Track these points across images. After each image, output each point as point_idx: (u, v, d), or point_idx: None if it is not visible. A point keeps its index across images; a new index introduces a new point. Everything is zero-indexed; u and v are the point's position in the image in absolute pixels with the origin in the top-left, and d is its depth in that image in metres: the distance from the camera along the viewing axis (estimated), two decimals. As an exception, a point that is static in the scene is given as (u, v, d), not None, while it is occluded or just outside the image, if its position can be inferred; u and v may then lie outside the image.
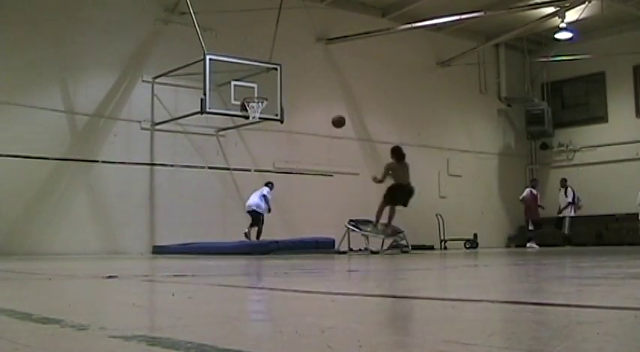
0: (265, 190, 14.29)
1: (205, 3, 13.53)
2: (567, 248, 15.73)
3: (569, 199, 17.35)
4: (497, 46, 20.24)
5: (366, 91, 17.47)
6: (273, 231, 14.20)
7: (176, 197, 14.07)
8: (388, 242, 13.56)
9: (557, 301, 2.62)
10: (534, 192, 17.16)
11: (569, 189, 17.53)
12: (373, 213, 14.55)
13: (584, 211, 19.67)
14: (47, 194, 12.93)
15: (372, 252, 12.78)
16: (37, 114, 12.83)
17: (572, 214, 17.35)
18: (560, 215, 17.29)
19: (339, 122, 12.88)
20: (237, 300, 2.95)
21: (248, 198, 14.22)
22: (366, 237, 13.31)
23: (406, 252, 12.90)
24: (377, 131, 17.61)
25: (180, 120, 14.06)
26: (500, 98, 20.68)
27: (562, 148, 20.57)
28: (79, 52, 13.41)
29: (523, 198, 17.20)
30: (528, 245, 16.93)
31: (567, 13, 16.74)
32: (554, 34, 17.79)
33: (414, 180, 18.77)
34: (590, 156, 19.87)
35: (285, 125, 14.21)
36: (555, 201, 17.78)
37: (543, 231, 17.29)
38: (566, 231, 17.23)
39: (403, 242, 13.35)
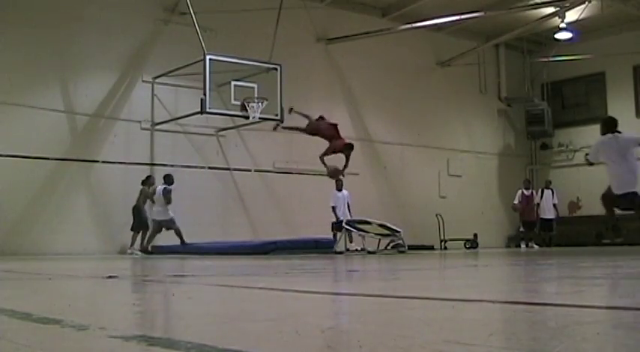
0: (348, 197, 14.28)
1: (205, 3, 13.52)
2: (557, 249, 15.75)
3: (555, 200, 17.38)
4: (497, 46, 20.23)
5: (366, 91, 17.46)
6: (273, 231, 14.19)
7: (176, 197, 14.05)
8: (385, 242, 13.57)
9: (557, 301, 2.62)
10: (527, 193, 17.17)
11: (553, 191, 17.53)
12: (373, 213, 14.50)
13: (585, 211, 19.68)
14: (47, 194, 12.93)
15: (369, 252, 12.80)
16: (37, 114, 12.83)
17: (554, 216, 17.40)
18: (546, 217, 17.25)
19: (335, 173, 11.93)
20: (237, 300, 2.95)
21: (338, 208, 13.99)
22: (363, 237, 13.32)
23: (403, 252, 12.89)
24: (377, 131, 17.61)
25: (180, 120, 14.05)
26: (500, 98, 20.66)
27: (562, 148, 20.55)
28: (79, 52, 13.41)
29: (514, 206, 17.29)
30: (522, 246, 16.96)
31: (567, 13, 16.73)
32: (554, 34, 17.78)
33: (414, 180, 18.73)
34: (590, 156, 19.83)
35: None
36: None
37: (535, 232, 17.34)
38: (554, 231, 17.34)
39: (400, 242, 13.34)
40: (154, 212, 13.27)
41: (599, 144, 9.42)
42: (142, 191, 13.27)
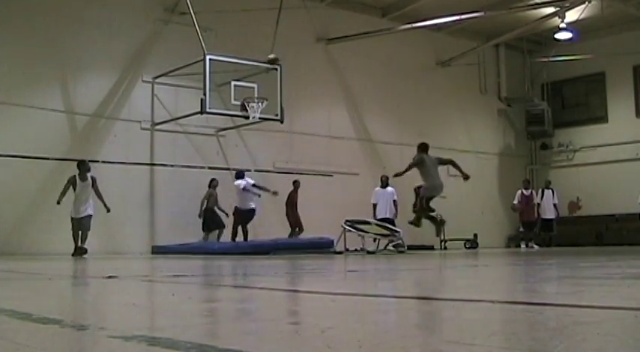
0: (393, 194, 14.40)
1: (205, 3, 13.52)
2: (557, 249, 15.76)
3: (555, 200, 17.36)
4: (497, 46, 20.22)
5: (366, 91, 17.46)
6: (273, 231, 14.19)
7: (176, 197, 14.06)
8: (384, 242, 13.57)
9: (557, 301, 2.62)
10: (526, 193, 17.15)
11: (554, 191, 17.49)
12: (372, 213, 14.56)
13: (584, 211, 19.69)
14: (47, 194, 12.89)
15: (369, 252, 12.80)
16: (37, 114, 12.82)
17: (555, 216, 17.36)
18: (547, 217, 17.22)
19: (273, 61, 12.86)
20: (237, 300, 2.95)
21: (379, 205, 14.28)
22: (363, 237, 13.32)
23: (402, 252, 12.89)
24: (377, 131, 17.60)
25: (180, 120, 14.05)
26: (500, 98, 20.66)
27: (562, 148, 20.56)
28: (79, 52, 13.40)
29: (514, 206, 17.29)
30: (522, 246, 16.96)
31: (567, 13, 16.73)
32: (554, 34, 17.78)
33: (414, 180, 18.78)
34: (590, 156, 19.86)
35: (285, 125, 14.20)
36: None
37: (535, 232, 17.35)
38: (554, 231, 17.34)
39: (400, 242, 13.34)
40: (80, 209, 11.73)
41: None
42: (209, 194, 13.71)
